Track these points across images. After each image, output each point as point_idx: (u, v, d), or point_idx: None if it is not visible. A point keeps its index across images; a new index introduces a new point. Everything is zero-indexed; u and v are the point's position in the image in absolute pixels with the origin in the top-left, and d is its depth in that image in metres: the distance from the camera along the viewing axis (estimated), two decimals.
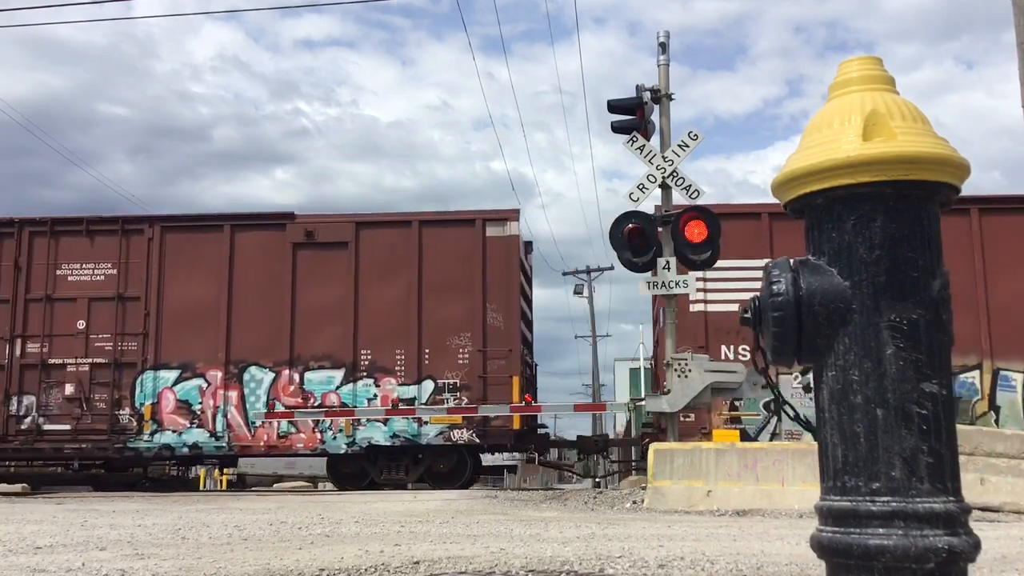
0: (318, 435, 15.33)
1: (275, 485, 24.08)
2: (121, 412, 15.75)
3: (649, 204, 12.36)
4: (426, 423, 14.92)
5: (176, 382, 15.71)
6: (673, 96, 12.38)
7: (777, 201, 2.23)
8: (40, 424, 15.63)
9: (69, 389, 15.80)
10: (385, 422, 15.17)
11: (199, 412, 15.60)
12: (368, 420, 15.13)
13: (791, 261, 2.09)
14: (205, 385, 15.69)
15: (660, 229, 11.71)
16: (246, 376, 15.62)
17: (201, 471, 23.86)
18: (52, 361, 15.92)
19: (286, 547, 5.47)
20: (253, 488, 23.28)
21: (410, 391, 15.13)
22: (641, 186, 11.96)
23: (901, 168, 1.98)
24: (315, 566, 4.46)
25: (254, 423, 15.43)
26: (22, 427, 15.66)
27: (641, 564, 4.47)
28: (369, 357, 15.38)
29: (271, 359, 15.65)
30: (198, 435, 15.54)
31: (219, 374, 15.65)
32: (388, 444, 15.10)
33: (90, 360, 15.90)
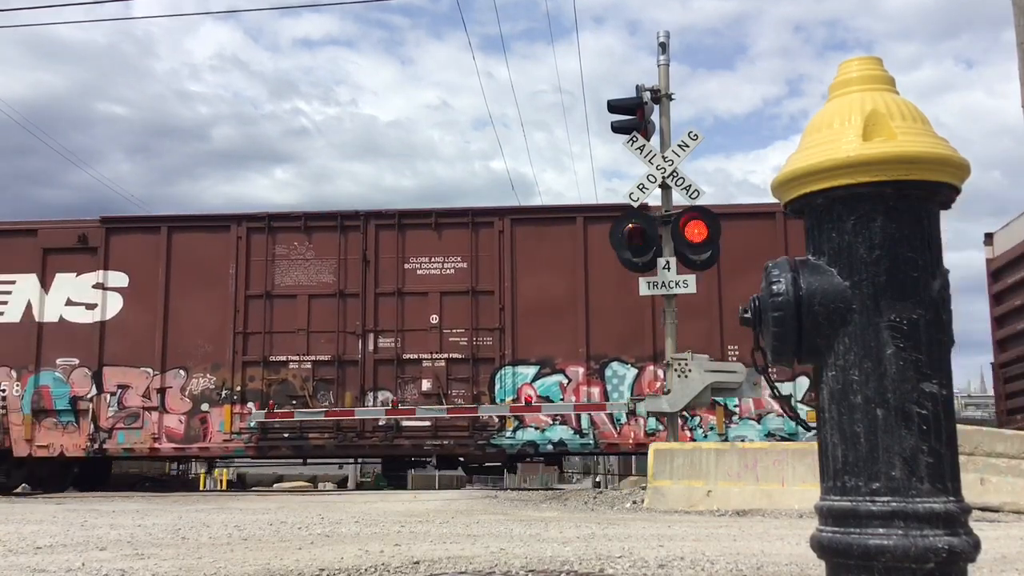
0: (687, 432, 14.78)
1: (275, 485, 24.10)
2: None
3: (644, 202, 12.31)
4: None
5: (535, 378, 15.26)
6: (673, 96, 12.38)
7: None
8: (399, 420, 15.21)
9: (426, 385, 15.38)
10: (759, 419, 14.66)
11: None
12: (740, 419, 14.67)
13: (791, 261, 2.09)
14: (566, 381, 15.22)
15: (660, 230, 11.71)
16: (608, 372, 15.13)
17: (201, 471, 23.85)
18: (407, 356, 15.46)
19: (286, 547, 5.47)
20: (253, 488, 23.29)
21: (785, 388, 14.16)
22: (641, 186, 11.95)
23: (901, 168, 1.98)
24: (315, 566, 4.46)
25: (619, 420, 15.00)
26: (380, 423, 15.21)
27: (641, 564, 4.47)
28: (737, 353, 14.67)
29: (632, 355, 15.12)
30: (562, 432, 15.12)
31: (580, 370, 15.16)
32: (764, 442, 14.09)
33: (445, 355, 15.43)
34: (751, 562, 4.60)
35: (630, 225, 11.37)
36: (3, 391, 15.64)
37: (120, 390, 15.60)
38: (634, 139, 11.98)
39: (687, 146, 11.99)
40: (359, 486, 25.28)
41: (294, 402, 15.36)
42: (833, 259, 2.04)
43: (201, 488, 23.35)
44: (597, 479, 30.39)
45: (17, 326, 15.82)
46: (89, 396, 15.53)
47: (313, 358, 15.42)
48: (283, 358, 15.63)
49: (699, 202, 12.11)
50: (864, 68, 2.15)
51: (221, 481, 25.92)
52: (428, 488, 24.49)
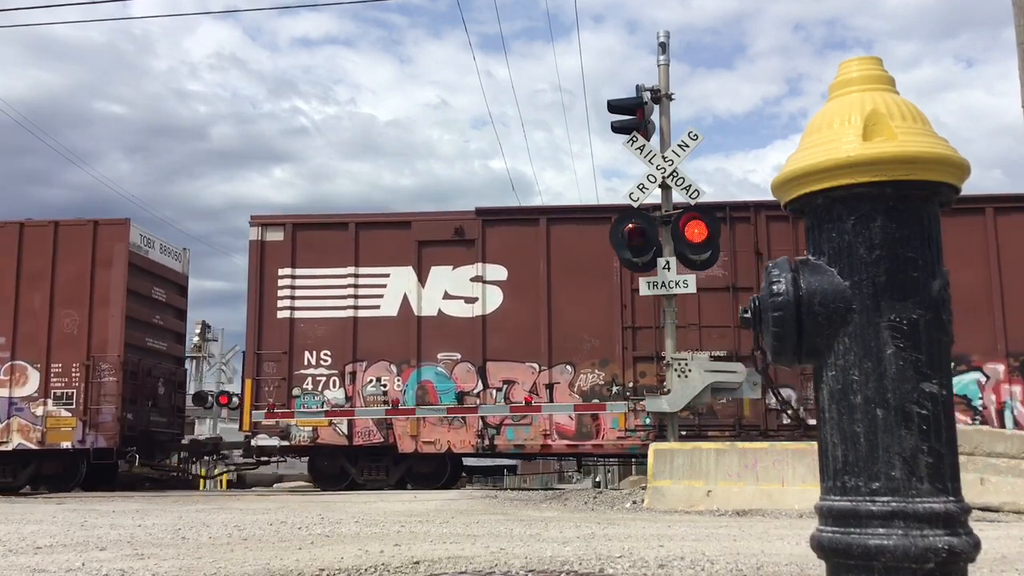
0: None
1: (275, 485, 24.07)
2: None
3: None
4: None
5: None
6: (673, 96, 12.38)
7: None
8: (804, 418, 15.01)
9: None
10: None
11: (980, 408, 14.67)
12: None
13: (791, 261, 2.09)
14: (984, 379, 14.76)
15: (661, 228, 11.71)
16: None
17: (201, 471, 23.83)
18: None
19: (286, 547, 5.47)
20: (253, 488, 23.28)
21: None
22: (641, 186, 11.95)
23: (901, 168, 1.98)
24: (315, 566, 4.46)
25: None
26: (784, 421, 14.56)
27: (641, 564, 4.47)
28: None
29: None
30: None
31: (1000, 367, 14.72)
32: None
33: None
34: (751, 562, 4.60)
35: (630, 225, 11.37)
36: (384, 386, 15.38)
37: (506, 385, 15.29)
38: (634, 139, 11.98)
39: (687, 146, 11.99)
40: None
41: None
42: (833, 259, 2.04)
43: (201, 488, 23.34)
44: (597, 479, 30.38)
45: (394, 320, 15.46)
46: (475, 391, 15.23)
47: (707, 353, 14.33)
48: None
49: (701, 201, 12.10)
50: (864, 68, 2.15)
51: (221, 481, 25.89)
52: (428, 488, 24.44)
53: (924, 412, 1.94)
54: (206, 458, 20.40)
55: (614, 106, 12.23)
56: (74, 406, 15.88)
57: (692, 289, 11.87)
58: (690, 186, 11.92)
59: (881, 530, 1.89)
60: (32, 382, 16.10)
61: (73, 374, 16.04)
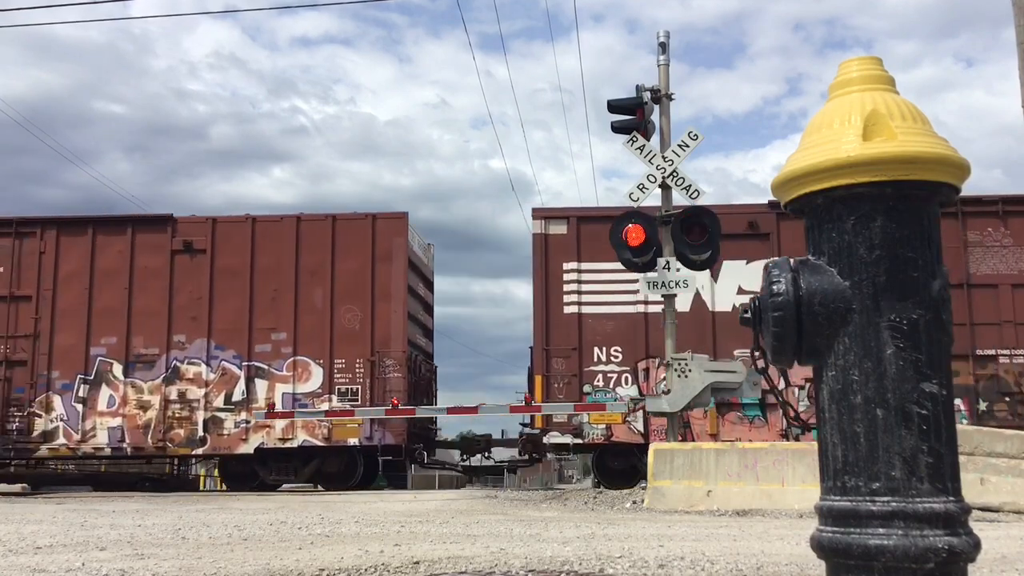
0: None
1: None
2: None
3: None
4: None
5: None
6: (673, 96, 12.38)
7: None
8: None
9: None
10: None
11: None
12: None
13: (791, 261, 2.09)
14: None
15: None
16: None
17: (201, 471, 23.82)
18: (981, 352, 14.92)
19: (286, 547, 5.47)
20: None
21: None
22: (641, 186, 11.95)
23: (901, 168, 1.98)
24: (315, 566, 4.46)
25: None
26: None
27: (641, 564, 4.47)
28: None
29: None
30: None
31: None
32: None
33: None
34: (751, 562, 4.60)
35: (630, 225, 11.37)
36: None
37: (808, 384, 14.67)
38: (634, 139, 11.98)
39: (687, 146, 11.99)
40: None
41: (1007, 399, 14.72)
42: (833, 259, 2.04)
43: (201, 488, 23.34)
44: (597, 479, 30.35)
45: (687, 316, 15.08)
46: (779, 388, 14.94)
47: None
48: (991, 352, 14.95)
49: (700, 201, 12.11)
50: (864, 68, 2.15)
51: (220, 481, 25.89)
52: (428, 488, 24.49)
53: (924, 412, 1.94)
54: (479, 456, 20.06)
55: (614, 106, 12.23)
56: (359, 402, 15.69)
57: (692, 289, 11.87)
58: (690, 186, 11.92)
59: (881, 530, 1.89)
60: (315, 378, 16.01)
61: (357, 370, 15.93)
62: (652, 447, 10.06)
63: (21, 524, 7.57)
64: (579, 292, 15.57)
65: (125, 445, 15.99)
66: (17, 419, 15.97)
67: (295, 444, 15.82)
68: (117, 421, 15.95)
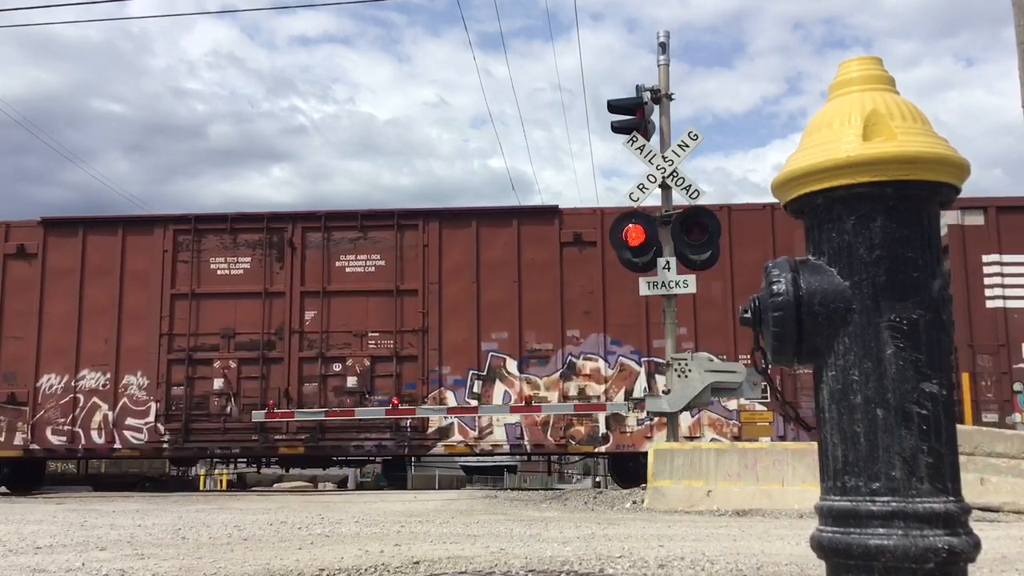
0: None
1: (275, 485, 24.08)
2: None
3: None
4: None
5: None
6: (673, 96, 12.38)
7: None
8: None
9: None
10: None
11: None
12: None
13: (791, 261, 2.09)
14: None
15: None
16: None
17: (201, 471, 23.83)
18: None
19: (286, 547, 5.47)
20: (253, 488, 23.29)
21: None
22: (641, 186, 11.95)
23: (901, 168, 1.98)
24: (315, 566, 4.46)
25: None
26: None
27: (641, 564, 4.47)
28: None
29: None
30: None
31: None
32: None
33: None
34: (751, 562, 4.60)
35: (630, 225, 11.37)
36: None
37: None
38: (634, 139, 11.98)
39: (687, 146, 11.99)
40: (359, 486, 25.29)
41: None
42: (833, 259, 2.04)
43: (201, 488, 23.35)
44: (597, 479, 30.39)
45: None
46: None
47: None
48: None
49: (700, 201, 12.10)
50: (864, 68, 2.15)
51: (221, 481, 25.90)
52: (428, 488, 24.49)
53: (924, 412, 1.94)
54: None
55: (614, 106, 12.23)
56: (768, 400, 14.87)
57: (692, 289, 11.87)
58: (690, 186, 11.92)
59: (881, 530, 1.89)
60: None
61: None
62: (652, 447, 10.06)
63: (21, 524, 7.57)
64: (1002, 286, 15.08)
65: (524, 442, 15.53)
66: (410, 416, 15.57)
67: (703, 443, 15.48)
68: (515, 418, 15.37)
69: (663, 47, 12.46)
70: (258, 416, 15.31)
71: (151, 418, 15.52)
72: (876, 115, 2.04)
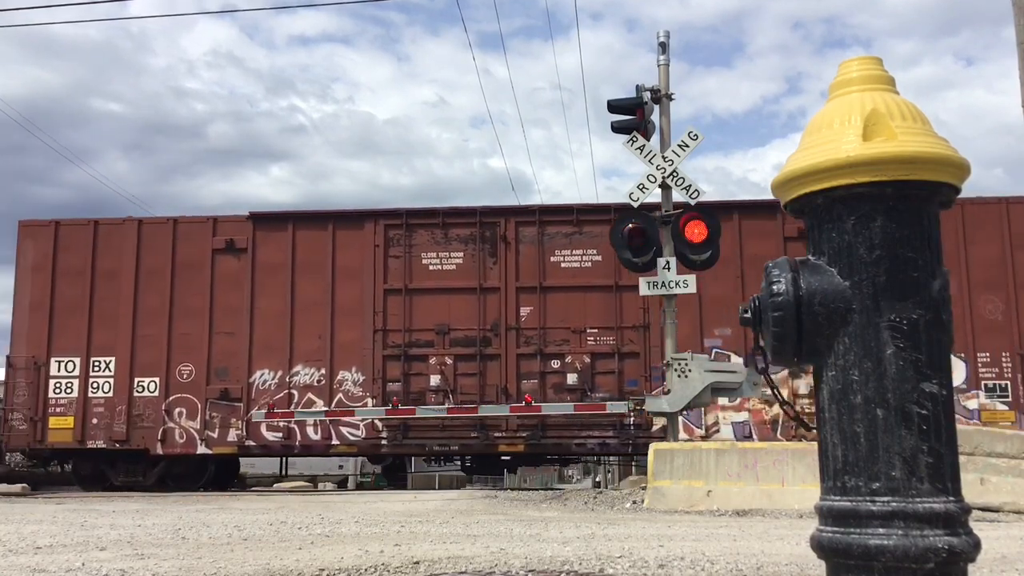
0: None
1: (275, 485, 24.07)
2: None
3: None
4: None
5: None
6: (673, 96, 12.38)
7: None
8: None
9: None
10: None
11: None
12: None
13: (791, 261, 2.09)
14: None
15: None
16: None
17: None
18: None
19: (286, 547, 5.47)
20: (253, 488, 23.28)
21: None
22: (641, 186, 11.96)
23: (901, 168, 1.98)
24: (315, 566, 4.46)
25: None
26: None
27: (641, 564, 4.47)
28: None
29: None
30: None
31: None
32: None
33: None
34: (751, 562, 4.60)
35: (630, 225, 11.38)
36: None
37: None
38: (634, 139, 11.98)
39: (687, 146, 11.99)
40: (359, 486, 25.29)
41: None
42: (833, 259, 2.04)
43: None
44: (597, 479, 30.37)
45: None
46: None
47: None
48: None
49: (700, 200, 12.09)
50: (864, 68, 2.15)
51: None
52: (428, 488, 24.49)
53: (924, 412, 1.94)
54: None
55: (614, 106, 12.23)
56: (1010, 399, 15.01)
57: (692, 289, 11.87)
58: (690, 186, 11.92)
59: (881, 530, 1.89)
60: (959, 372, 15.07)
61: (1004, 364, 15.16)
62: (652, 447, 10.06)
63: (21, 524, 7.57)
64: None
65: (754, 440, 15.16)
66: (633, 414, 15.27)
67: None
68: (742, 416, 15.26)
69: (663, 47, 12.46)
70: (258, 416, 15.32)
71: (371, 415, 15.35)
72: (876, 115, 2.04)
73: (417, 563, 4.54)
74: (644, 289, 11.96)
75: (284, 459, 20.21)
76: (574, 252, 15.73)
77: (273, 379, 15.68)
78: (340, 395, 15.49)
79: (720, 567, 4.40)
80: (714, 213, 11.99)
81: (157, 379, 15.88)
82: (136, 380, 15.89)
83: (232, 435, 15.53)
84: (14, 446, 16.13)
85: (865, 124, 2.03)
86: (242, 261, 16.07)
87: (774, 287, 2.04)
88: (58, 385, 15.97)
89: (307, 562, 4.64)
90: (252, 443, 15.55)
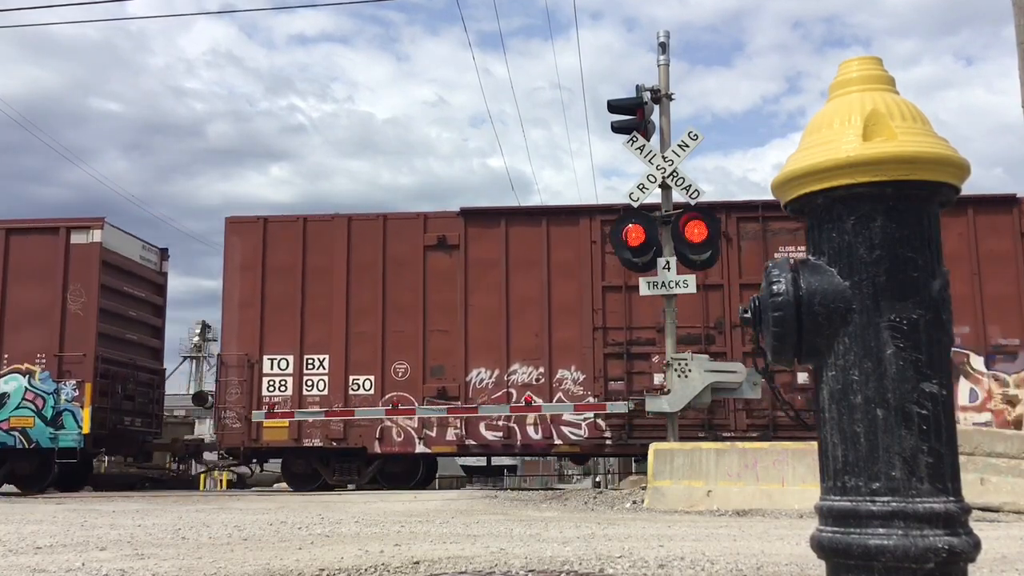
0: None
1: (275, 485, 24.08)
2: None
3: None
4: None
5: None
6: (673, 96, 12.39)
7: None
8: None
9: None
10: None
11: None
12: None
13: (791, 261, 2.09)
14: None
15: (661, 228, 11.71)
16: None
17: (201, 471, 23.80)
18: None
19: (286, 547, 5.47)
20: (253, 488, 23.28)
21: None
22: (641, 186, 11.96)
23: (901, 168, 1.98)
24: (315, 566, 4.46)
25: None
26: None
27: (641, 564, 4.47)
28: None
29: None
30: None
31: None
32: None
33: None
34: (751, 562, 4.60)
35: (630, 225, 11.38)
36: None
37: None
38: (634, 139, 11.98)
39: (687, 146, 11.99)
40: (359, 486, 25.28)
41: None
42: (833, 259, 2.04)
43: (201, 488, 23.35)
44: (597, 479, 30.38)
45: None
46: None
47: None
48: None
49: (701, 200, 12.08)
50: (864, 68, 2.15)
51: (221, 481, 25.90)
52: (428, 488, 24.47)
53: (924, 412, 1.94)
54: None
55: (614, 106, 12.23)
56: None
57: (692, 289, 11.87)
58: (690, 186, 11.93)
59: (881, 530, 1.89)
60: None
61: None
62: (652, 447, 10.06)
63: (21, 524, 7.57)
64: None
65: None
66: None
67: None
68: (984, 416, 14.72)
69: (663, 47, 12.47)
70: (258, 416, 15.31)
71: (590, 413, 15.03)
72: (876, 115, 2.04)
73: (417, 563, 4.54)
74: (644, 289, 11.97)
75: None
76: (799, 248, 15.29)
77: (490, 378, 15.44)
78: (560, 393, 15.23)
79: (720, 567, 4.40)
80: (713, 213, 11.99)
81: (372, 377, 15.62)
82: (351, 378, 15.65)
83: (451, 434, 15.29)
84: (228, 444, 15.85)
85: (865, 124, 2.03)
86: (454, 258, 15.82)
87: (774, 287, 2.04)
88: (271, 383, 15.73)
89: (307, 562, 4.64)
90: (472, 442, 15.29)
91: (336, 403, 15.46)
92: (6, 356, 15.97)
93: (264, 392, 15.65)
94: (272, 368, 15.79)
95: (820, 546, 2.00)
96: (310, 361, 15.79)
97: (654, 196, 12.18)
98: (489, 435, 15.30)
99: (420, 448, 15.37)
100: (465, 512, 8.92)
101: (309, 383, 15.70)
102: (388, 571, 4.30)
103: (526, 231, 15.83)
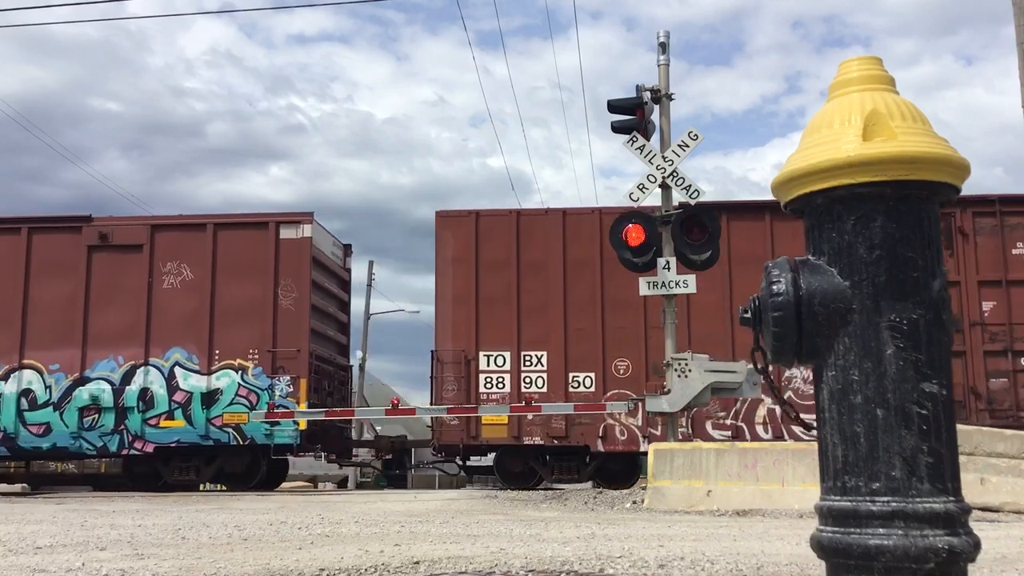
0: None
1: (282, 485, 24.05)
2: None
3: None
4: None
5: None
6: (673, 96, 12.39)
7: None
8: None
9: None
10: None
11: None
12: None
13: (791, 261, 2.09)
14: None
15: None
16: None
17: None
18: None
19: (286, 547, 5.47)
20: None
21: None
22: (641, 186, 11.96)
23: (901, 168, 1.98)
24: (315, 566, 4.46)
25: None
26: None
27: (641, 564, 4.47)
28: None
29: None
30: None
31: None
32: None
33: None
34: (751, 562, 4.60)
35: (630, 225, 11.38)
36: None
37: None
38: (634, 139, 11.98)
39: (687, 146, 11.99)
40: (359, 486, 25.30)
41: None
42: (833, 259, 2.04)
43: (201, 488, 23.33)
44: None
45: None
46: None
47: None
48: None
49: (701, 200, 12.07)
50: (864, 68, 2.15)
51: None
52: (428, 488, 24.49)
53: (924, 412, 1.94)
54: None
55: (614, 106, 12.23)
56: None
57: (692, 289, 11.87)
58: (690, 186, 11.92)
59: (881, 530, 1.89)
60: None
61: None
62: (652, 447, 10.06)
63: (21, 524, 7.57)
64: None
65: None
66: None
67: None
68: None
69: (663, 47, 12.46)
70: (258, 415, 15.32)
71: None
72: (876, 115, 2.04)
73: (417, 563, 4.54)
74: (644, 289, 11.97)
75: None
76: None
77: None
78: (789, 392, 14.98)
79: (720, 567, 4.40)
80: (713, 213, 11.99)
81: (592, 374, 15.35)
82: (571, 375, 15.37)
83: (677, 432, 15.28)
84: (446, 441, 15.58)
85: (865, 124, 2.03)
86: None
87: (774, 287, 2.04)
88: (488, 380, 15.46)
89: (307, 562, 4.64)
90: (699, 440, 14.96)
91: (556, 401, 15.02)
92: (217, 352, 15.57)
93: (481, 389, 15.35)
94: (489, 364, 15.51)
95: (820, 546, 2.00)
96: (527, 357, 15.50)
97: (654, 196, 12.17)
98: (716, 434, 15.06)
99: (644, 446, 14.87)
100: (465, 512, 8.92)
101: (527, 380, 15.42)
102: (388, 571, 4.30)
103: (748, 225, 15.45)
